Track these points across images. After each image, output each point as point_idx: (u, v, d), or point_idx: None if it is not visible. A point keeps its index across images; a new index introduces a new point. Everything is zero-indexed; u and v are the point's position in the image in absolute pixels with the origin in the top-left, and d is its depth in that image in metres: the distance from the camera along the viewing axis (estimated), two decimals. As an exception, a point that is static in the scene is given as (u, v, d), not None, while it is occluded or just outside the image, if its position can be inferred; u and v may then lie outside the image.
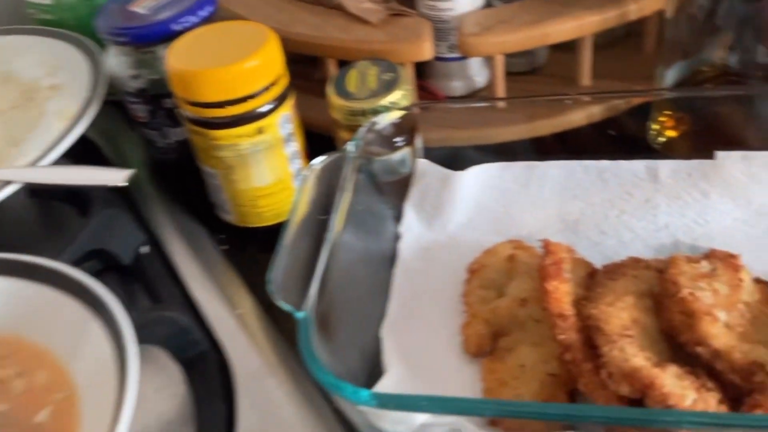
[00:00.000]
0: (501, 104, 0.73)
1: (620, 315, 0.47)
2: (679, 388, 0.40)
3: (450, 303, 0.59)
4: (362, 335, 0.57)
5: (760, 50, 0.69)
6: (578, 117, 0.72)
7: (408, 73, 0.72)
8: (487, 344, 0.53)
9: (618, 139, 0.75)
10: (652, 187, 0.63)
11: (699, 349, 0.44)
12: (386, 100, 0.63)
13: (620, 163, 0.63)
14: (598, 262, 0.60)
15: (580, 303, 0.49)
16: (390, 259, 0.64)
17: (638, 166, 0.63)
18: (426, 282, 0.61)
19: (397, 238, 0.65)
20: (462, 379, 0.52)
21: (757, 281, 0.52)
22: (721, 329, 0.45)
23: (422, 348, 0.55)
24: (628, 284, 0.51)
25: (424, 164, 0.65)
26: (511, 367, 0.51)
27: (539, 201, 0.64)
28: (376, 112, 0.63)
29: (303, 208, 0.56)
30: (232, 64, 0.62)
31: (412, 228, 0.65)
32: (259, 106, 0.64)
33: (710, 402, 0.40)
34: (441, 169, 0.64)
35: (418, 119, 0.67)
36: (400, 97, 0.63)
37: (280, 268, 0.49)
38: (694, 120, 0.71)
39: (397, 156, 0.66)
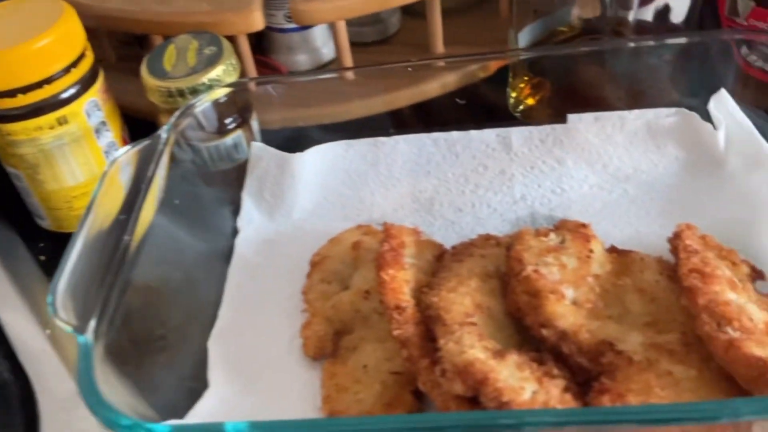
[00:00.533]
0: (349, 76, 0.66)
1: (462, 301, 0.42)
2: (518, 381, 0.36)
3: (292, 301, 0.52)
4: (193, 352, 0.50)
5: (612, 5, 0.66)
6: (432, 87, 0.67)
7: (242, 47, 0.64)
8: (328, 345, 0.47)
9: (476, 109, 0.70)
10: (506, 157, 0.58)
11: (544, 332, 0.40)
12: (206, 78, 0.55)
13: (470, 134, 0.58)
14: (455, 242, 0.55)
15: (421, 291, 0.44)
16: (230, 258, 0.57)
17: (489, 135, 0.58)
18: (266, 280, 0.54)
19: (236, 233, 0.58)
20: (301, 388, 0.46)
21: (612, 250, 0.49)
22: (567, 308, 0.41)
23: (257, 356, 0.48)
24: (474, 265, 0.46)
25: (258, 148, 0.58)
26: (352, 368, 0.45)
27: (390, 180, 0.59)
28: (195, 91, 0.55)
29: (105, 207, 0.48)
30: (20, 44, 0.53)
31: (252, 220, 0.58)
32: (59, 92, 0.55)
33: (552, 392, 0.36)
34: (277, 152, 0.58)
35: (253, 98, 0.61)
36: (222, 73, 0.56)
37: (65, 280, 0.41)
38: (552, 85, 0.68)
39: (228, 140, 0.58)
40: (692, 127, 0.56)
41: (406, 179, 0.59)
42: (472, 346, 0.37)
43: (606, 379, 0.38)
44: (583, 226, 0.48)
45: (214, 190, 0.60)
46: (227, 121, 0.58)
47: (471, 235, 0.56)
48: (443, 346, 0.38)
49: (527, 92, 0.67)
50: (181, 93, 0.55)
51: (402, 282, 0.43)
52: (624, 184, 0.57)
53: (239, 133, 0.59)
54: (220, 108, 0.57)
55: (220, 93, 0.56)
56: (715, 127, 0.55)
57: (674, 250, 0.46)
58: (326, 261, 0.52)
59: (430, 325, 0.41)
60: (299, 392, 0.46)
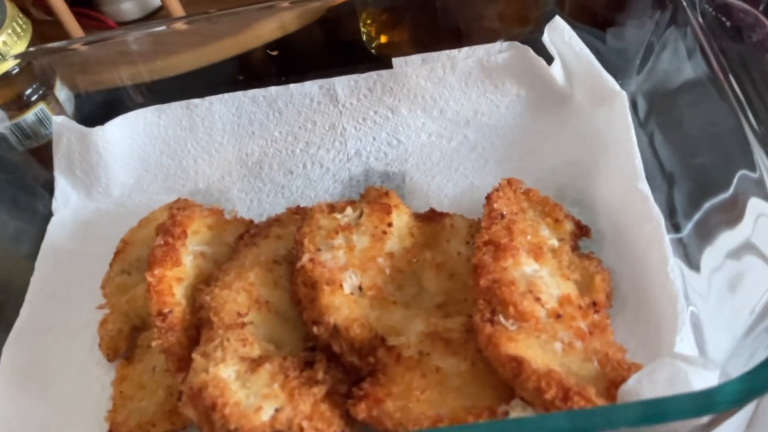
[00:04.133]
0: (179, 27, 0.60)
1: (236, 298, 0.38)
2: (259, 399, 0.32)
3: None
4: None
5: None
6: (271, 28, 0.61)
7: (55, 1, 0.58)
8: (122, 344, 0.44)
9: (335, 48, 0.64)
10: (335, 110, 0.53)
11: (315, 329, 0.37)
12: (-18, 52, 0.50)
13: (290, 88, 0.52)
14: (284, 208, 0.51)
15: (197, 289, 0.40)
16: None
17: (312, 88, 0.52)
18: (76, 270, 0.50)
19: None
20: (97, 395, 0.43)
21: (424, 216, 0.45)
22: (345, 299, 0.37)
23: (55, 360, 0.45)
24: (263, 251, 0.42)
25: (59, 123, 0.52)
26: (141, 371, 0.42)
27: (212, 145, 0.54)
28: (-29, 68, 0.49)
29: None
30: None
31: (68, 201, 0.54)
32: None
33: (301, 408, 0.33)
34: (77, 126, 0.52)
35: (56, 63, 0.55)
36: (4, 43, 0.50)
37: None
38: (401, 19, 0.61)
39: (29, 116, 0.53)
40: (528, 62, 0.50)
41: (229, 143, 0.54)
42: (222, 359, 0.34)
43: (370, 381, 0.34)
44: (386, 194, 0.43)
45: (32, 170, 0.55)
46: (27, 93, 0.53)
47: (301, 200, 0.52)
48: (193, 361, 0.35)
49: (376, 28, 0.61)
50: (-45, 71, 0.49)
51: (171, 282, 0.39)
52: (464, 129, 0.52)
53: (42, 106, 0.53)
54: (14, 81, 0.52)
55: (6, 66, 0.50)
56: (551, 61, 0.50)
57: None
58: (128, 248, 0.48)
59: (200, 330, 0.38)
60: (95, 400, 0.43)
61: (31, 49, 0.52)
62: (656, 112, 0.47)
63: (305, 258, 0.38)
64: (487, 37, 0.54)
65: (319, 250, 0.39)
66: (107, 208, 0.54)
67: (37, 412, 0.42)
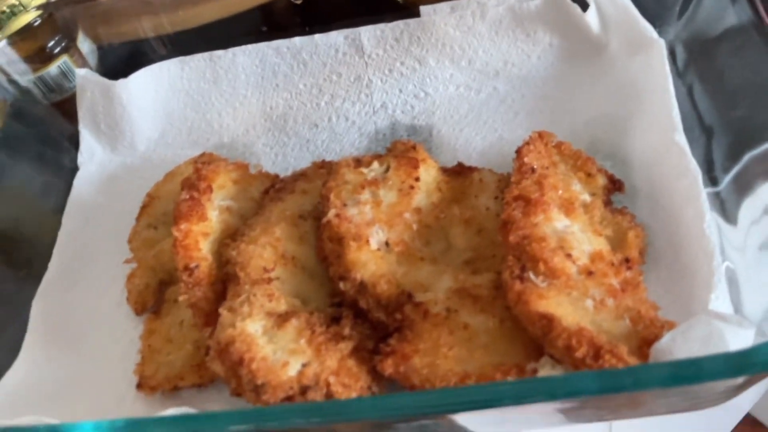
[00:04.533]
0: None
1: (262, 253, 0.38)
2: (286, 354, 0.32)
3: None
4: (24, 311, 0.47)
5: None
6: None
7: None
8: (150, 299, 0.44)
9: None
10: (360, 61, 0.51)
11: (342, 285, 0.36)
12: (4, 5, 0.49)
13: (315, 39, 0.51)
14: (309, 162, 0.51)
15: (224, 243, 0.40)
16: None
17: (337, 38, 0.51)
18: (103, 224, 0.50)
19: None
20: (125, 348, 0.43)
21: (453, 171, 0.44)
22: (371, 254, 0.37)
23: (84, 313, 0.45)
24: (289, 206, 0.41)
25: (82, 77, 0.52)
26: (169, 325, 0.42)
27: (236, 98, 0.53)
28: (-6, 21, 0.49)
29: None
30: None
31: (93, 155, 0.54)
32: None
33: (327, 363, 0.33)
34: (100, 79, 0.52)
35: (78, 15, 0.54)
36: (22, -5, 0.49)
37: None
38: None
39: (53, 69, 0.52)
40: (562, 9, 0.48)
41: (253, 95, 0.53)
42: (249, 314, 0.34)
43: (397, 337, 0.34)
44: (414, 148, 0.42)
45: (57, 124, 0.55)
46: (49, 46, 0.52)
47: (326, 154, 0.51)
48: (220, 315, 0.35)
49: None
50: (-24, 24, 0.49)
51: (198, 236, 0.39)
52: (493, 81, 0.51)
53: (65, 58, 0.53)
54: (36, 33, 0.51)
55: (28, 18, 0.50)
56: (586, 7, 0.47)
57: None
58: (155, 202, 0.48)
59: (227, 285, 0.38)
60: (123, 353, 0.43)
61: None
62: (696, 62, 0.45)
63: (331, 213, 0.38)
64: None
65: (345, 205, 0.39)
66: (132, 162, 0.54)
67: (67, 364, 0.43)
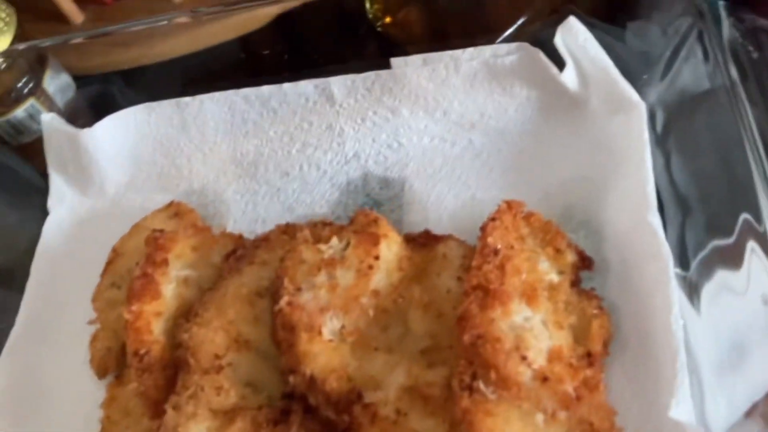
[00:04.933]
0: (182, 20, 0.56)
1: (215, 338, 0.37)
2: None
3: (98, 301, 0.49)
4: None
5: None
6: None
7: None
8: (112, 363, 0.43)
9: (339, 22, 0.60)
10: (331, 110, 0.49)
11: (292, 378, 0.35)
12: (-38, 52, 0.47)
13: (283, 88, 0.49)
14: (280, 213, 0.50)
15: (177, 324, 0.39)
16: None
17: (306, 87, 0.49)
18: (73, 274, 0.50)
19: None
20: (88, 413, 0.43)
21: (418, 239, 0.42)
22: (323, 346, 0.36)
23: (49, 374, 0.45)
24: (248, 279, 0.40)
25: (48, 122, 0.50)
26: (129, 394, 0.42)
27: (206, 144, 0.52)
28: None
29: None
30: None
31: (63, 198, 0.53)
32: None
33: (269, 472, 0.32)
34: (66, 128, 0.50)
35: (48, 51, 0.52)
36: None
37: None
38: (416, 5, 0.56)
39: (19, 113, 0.51)
40: (538, 66, 0.45)
41: (223, 142, 0.51)
42: (193, 415, 0.33)
43: (344, 442, 0.34)
44: (375, 221, 0.41)
45: (26, 167, 0.54)
46: (16, 88, 0.51)
47: (297, 205, 0.50)
48: (165, 414, 0.34)
49: (383, 8, 0.56)
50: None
51: (150, 317, 0.38)
52: (469, 133, 0.49)
53: (32, 101, 0.51)
54: (1, 78, 0.50)
55: (-9, 65, 0.48)
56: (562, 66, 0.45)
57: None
58: (119, 260, 0.47)
59: (178, 370, 0.38)
60: (86, 418, 0.43)
61: (19, 46, 0.49)
62: (675, 128, 0.43)
63: (283, 301, 0.37)
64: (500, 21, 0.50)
65: (299, 289, 0.37)
66: (103, 206, 0.53)
67: (32, 428, 0.43)
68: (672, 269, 0.38)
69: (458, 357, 0.34)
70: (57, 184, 0.53)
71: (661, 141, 0.43)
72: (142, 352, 0.37)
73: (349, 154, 0.50)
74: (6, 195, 0.52)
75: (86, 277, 0.49)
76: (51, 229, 0.52)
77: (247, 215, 0.51)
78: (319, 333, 0.36)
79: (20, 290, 0.50)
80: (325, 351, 0.36)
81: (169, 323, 0.39)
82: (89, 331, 0.46)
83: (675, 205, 0.41)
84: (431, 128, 0.49)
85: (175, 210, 0.50)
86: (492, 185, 0.47)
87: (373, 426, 0.33)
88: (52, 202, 0.53)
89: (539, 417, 0.32)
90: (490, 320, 0.35)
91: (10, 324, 0.48)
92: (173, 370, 0.38)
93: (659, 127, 0.43)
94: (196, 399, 0.34)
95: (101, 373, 0.44)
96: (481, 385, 0.32)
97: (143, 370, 0.37)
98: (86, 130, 0.50)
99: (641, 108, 0.43)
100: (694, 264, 0.38)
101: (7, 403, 0.44)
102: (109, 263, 0.47)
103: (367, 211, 0.42)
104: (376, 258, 0.39)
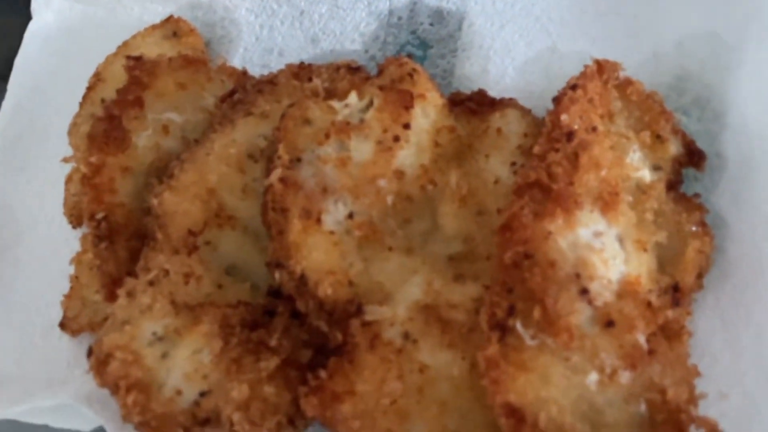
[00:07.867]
0: None
1: (190, 209, 0.29)
2: (180, 378, 0.25)
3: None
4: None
5: None
6: None
7: None
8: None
9: None
10: None
11: (277, 274, 0.27)
12: None
13: None
14: (301, 45, 0.40)
15: (148, 183, 0.31)
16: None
17: None
18: (56, 94, 0.41)
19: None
20: (64, 259, 0.36)
21: (456, 102, 0.31)
22: (322, 238, 0.27)
23: (29, 209, 0.38)
24: (241, 135, 0.31)
25: None
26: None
27: (218, -57, 0.40)
28: None
29: None
30: None
31: (50, 0, 0.43)
32: None
33: (234, 393, 0.25)
34: None
35: None
36: None
37: None
38: None
39: None
40: None
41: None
42: (149, 308, 0.26)
43: (332, 365, 0.26)
44: (411, 75, 0.30)
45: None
46: None
47: (322, 36, 0.40)
48: (116, 300, 0.27)
49: None
50: None
51: (114, 173, 0.30)
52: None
53: None
54: None
55: None
56: None
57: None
58: (99, 86, 0.37)
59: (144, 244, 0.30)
60: (60, 267, 0.36)
61: None
62: None
63: (275, 175, 0.28)
64: None
65: (298, 160, 0.28)
66: (95, 13, 0.44)
67: (4, 269, 0.38)
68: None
69: (495, 278, 0.26)
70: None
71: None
72: (99, 216, 0.29)
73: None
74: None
75: (70, 100, 0.40)
76: (33, 38, 0.43)
77: (261, 43, 0.41)
78: (318, 221, 0.27)
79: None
80: (323, 245, 0.27)
81: (139, 182, 0.31)
82: (68, 168, 0.40)
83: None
84: (509, -56, 0.36)
85: (173, 28, 0.40)
86: (581, 34, 0.35)
87: (372, 353, 0.26)
88: (36, 4, 0.44)
89: (592, 377, 0.23)
90: (545, 234, 0.25)
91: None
92: (140, 243, 0.30)
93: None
94: (157, 286, 0.27)
95: (74, 221, 0.37)
96: (519, 326, 0.24)
97: (100, 239, 0.29)
98: None
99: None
100: None
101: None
102: (90, 89, 0.39)
103: (403, 59, 0.31)
104: (406, 127, 0.29)
